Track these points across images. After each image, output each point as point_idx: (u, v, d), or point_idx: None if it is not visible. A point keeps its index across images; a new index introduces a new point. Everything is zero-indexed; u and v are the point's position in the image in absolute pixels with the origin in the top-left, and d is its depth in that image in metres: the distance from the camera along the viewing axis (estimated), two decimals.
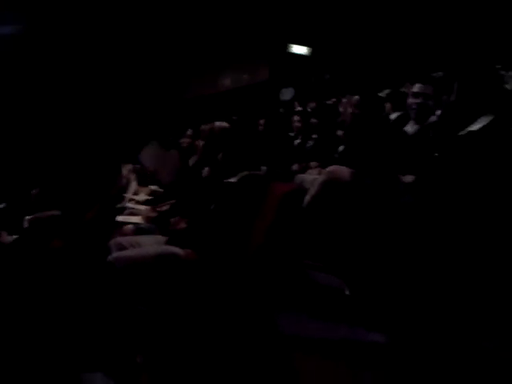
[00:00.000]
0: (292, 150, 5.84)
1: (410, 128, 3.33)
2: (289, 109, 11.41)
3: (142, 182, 5.81)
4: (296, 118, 5.98)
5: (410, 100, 3.23)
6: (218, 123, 4.19)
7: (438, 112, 3.54)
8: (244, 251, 3.11)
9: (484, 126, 2.75)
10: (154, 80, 13.03)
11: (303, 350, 2.42)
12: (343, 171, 2.89)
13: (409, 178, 2.96)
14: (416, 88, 3.21)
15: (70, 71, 12.08)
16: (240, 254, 3.09)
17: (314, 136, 5.55)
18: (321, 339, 2.52)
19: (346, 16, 12.40)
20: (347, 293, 2.88)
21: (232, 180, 3.47)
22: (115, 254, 3.06)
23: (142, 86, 12.81)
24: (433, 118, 3.26)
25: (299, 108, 10.08)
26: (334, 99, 10.02)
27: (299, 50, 13.50)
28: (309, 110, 8.67)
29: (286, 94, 13.38)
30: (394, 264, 2.66)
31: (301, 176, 3.90)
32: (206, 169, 4.08)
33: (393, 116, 4.61)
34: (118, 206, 4.97)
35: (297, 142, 5.92)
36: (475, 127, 2.67)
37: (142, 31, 12.36)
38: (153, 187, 5.42)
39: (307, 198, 2.98)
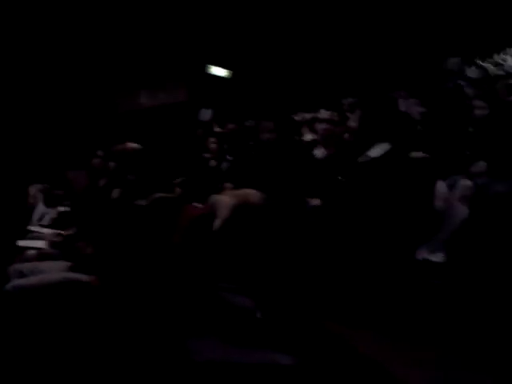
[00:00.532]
0: (207, 171, 5.83)
1: (318, 152, 3.45)
2: (207, 130, 11.45)
3: (50, 203, 5.51)
4: (212, 139, 5.99)
5: (318, 125, 3.36)
6: (130, 144, 4.10)
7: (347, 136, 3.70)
8: (153, 274, 3.03)
9: (384, 153, 2.93)
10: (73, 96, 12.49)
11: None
12: (254, 195, 2.93)
13: (316, 201, 3.07)
14: (323, 114, 3.35)
15: None
16: (149, 277, 3.01)
17: (230, 158, 5.58)
18: (233, 364, 2.51)
19: (265, 40, 12.76)
20: (259, 315, 2.89)
21: (142, 203, 3.39)
22: (13, 282, 2.86)
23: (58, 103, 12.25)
24: (341, 143, 3.40)
25: (218, 129, 10.13)
26: (252, 121, 10.16)
27: (218, 71, 13.65)
28: (226, 131, 8.74)
29: (205, 114, 13.44)
30: (301, 282, 2.73)
31: (214, 198, 3.89)
32: (116, 190, 3.96)
33: (308, 138, 4.75)
34: (22, 228, 4.66)
35: (212, 163, 5.92)
36: (375, 153, 2.84)
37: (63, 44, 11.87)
38: (61, 208, 5.15)
39: (218, 221, 2.98)
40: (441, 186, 3.11)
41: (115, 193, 3.95)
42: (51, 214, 5.04)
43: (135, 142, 5.22)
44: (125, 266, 2.96)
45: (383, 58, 12.81)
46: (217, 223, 2.99)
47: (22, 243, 3.90)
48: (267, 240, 2.83)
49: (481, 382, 2.16)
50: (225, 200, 3.03)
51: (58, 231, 3.98)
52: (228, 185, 4.82)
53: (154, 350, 2.66)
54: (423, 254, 3.01)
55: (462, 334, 2.39)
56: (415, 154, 3.58)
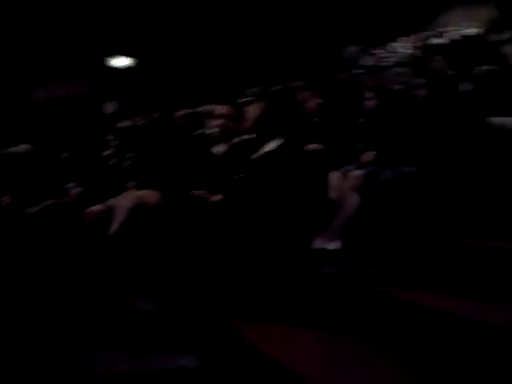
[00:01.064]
0: (108, 169, 5.62)
1: (216, 148, 3.44)
2: (110, 124, 11.00)
3: None
4: (111, 136, 5.78)
5: (213, 121, 3.35)
6: (22, 146, 3.83)
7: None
8: (49, 284, 2.89)
9: (277, 147, 2.99)
10: None
11: None
12: (151, 195, 2.87)
13: (217, 197, 3.06)
14: (218, 110, 3.35)
15: None
16: (44, 287, 2.87)
17: (132, 155, 5.42)
18: (138, 373, 2.45)
19: (170, 28, 12.46)
20: (163, 317, 2.85)
21: (34, 210, 3.20)
22: None
23: None
24: (236, 139, 3.42)
25: (123, 123, 9.78)
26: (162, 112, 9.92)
27: (122, 61, 13.13)
28: (131, 125, 8.48)
29: (109, 107, 12.91)
30: (204, 281, 2.72)
31: (110, 201, 3.76)
32: (6, 197, 3.70)
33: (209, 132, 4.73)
34: None
35: (113, 161, 5.71)
36: (269, 148, 2.89)
37: None
38: None
39: (115, 225, 2.89)
40: (333, 177, 3.24)
41: (5, 200, 3.69)
42: None
43: (28, 141, 4.89)
44: (17, 276, 2.79)
45: (282, 51, 13.10)
46: (114, 226, 2.90)
47: None
48: (167, 240, 2.79)
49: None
50: (121, 203, 2.95)
51: None
52: (130, 184, 4.69)
53: (53, 363, 2.53)
54: (320, 243, 3.13)
55: (360, 319, 2.50)
56: (310, 146, 3.71)
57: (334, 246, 3.16)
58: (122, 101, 12.47)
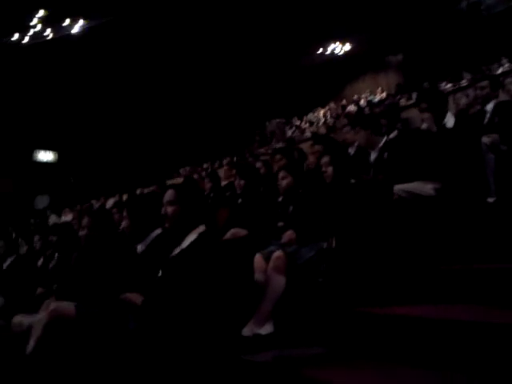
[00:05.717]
0: (36, 271, 5.39)
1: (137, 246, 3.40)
2: (43, 219, 10.67)
3: None
4: (36, 237, 5.59)
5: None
6: None
7: None
8: None
9: (197, 238, 3.00)
10: None
11: None
12: (66, 307, 2.75)
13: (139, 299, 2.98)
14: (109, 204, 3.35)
15: None
16: None
17: (56, 255, 5.22)
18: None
19: (89, 121, 12.59)
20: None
21: None
22: None
23: None
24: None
25: (55, 219, 9.50)
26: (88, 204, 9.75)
27: (45, 156, 12.98)
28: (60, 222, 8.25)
29: (41, 201, 12.55)
30: None
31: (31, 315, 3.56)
32: None
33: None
34: None
35: (40, 262, 5.49)
36: (189, 241, 2.91)
37: None
38: None
39: (31, 343, 2.72)
40: (257, 259, 3.27)
41: None
42: None
43: None
44: None
45: (206, 129, 13.45)
46: (30, 345, 2.74)
47: None
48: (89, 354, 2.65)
49: None
50: (37, 318, 2.81)
51: None
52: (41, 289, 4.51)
53: None
54: (251, 330, 3.08)
55: None
56: (233, 231, 3.76)
57: (265, 330, 3.12)
58: (51, 195, 12.23)
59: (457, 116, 4.93)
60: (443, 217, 3.43)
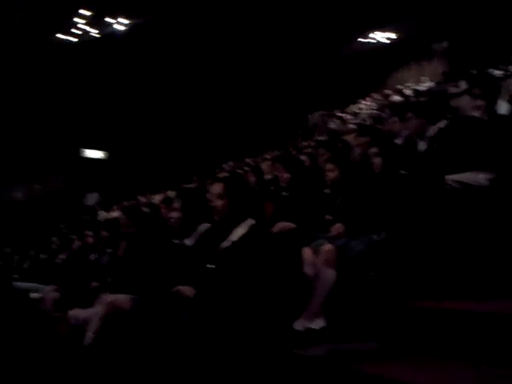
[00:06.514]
0: (90, 266, 5.56)
1: (185, 240, 3.46)
2: (93, 215, 11.00)
3: None
4: (88, 232, 5.76)
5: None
6: None
7: None
8: None
9: (247, 231, 3.02)
10: None
11: None
12: (122, 300, 2.82)
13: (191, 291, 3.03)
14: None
15: None
16: None
17: (109, 250, 5.37)
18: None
19: (137, 120, 12.88)
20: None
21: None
22: None
23: None
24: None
25: (104, 215, 9.75)
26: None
27: (94, 154, 13.37)
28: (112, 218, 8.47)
29: (91, 198, 12.95)
30: None
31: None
32: None
33: None
34: None
35: (93, 256, 5.66)
36: (238, 233, 2.93)
37: None
38: None
39: (89, 334, 2.81)
40: (306, 253, 3.24)
41: None
42: None
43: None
44: None
45: (249, 122, 13.50)
46: (88, 336, 2.83)
47: None
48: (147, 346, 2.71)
49: None
50: (94, 311, 2.89)
51: None
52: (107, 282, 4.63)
53: None
54: (302, 324, 3.07)
55: None
56: (280, 225, 3.75)
57: (317, 324, 3.10)
58: (100, 191, 12.59)
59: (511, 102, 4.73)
60: (498, 207, 3.30)
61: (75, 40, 11.59)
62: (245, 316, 2.76)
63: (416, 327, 2.76)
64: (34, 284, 5.57)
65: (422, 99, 8.81)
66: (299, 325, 3.08)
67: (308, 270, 3.21)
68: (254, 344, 2.74)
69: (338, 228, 3.40)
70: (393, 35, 15.51)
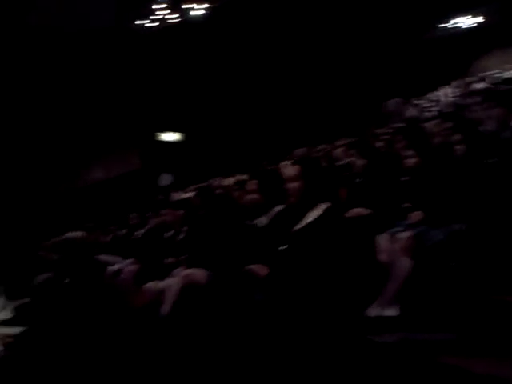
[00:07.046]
0: (166, 243, 5.78)
1: (258, 220, 3.50)
2: (167, 196, 11.41)
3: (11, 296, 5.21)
4: (164, 211, 5.97)
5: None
6: (78, 232, 4.02)
7: None
8: None
9: (321, 214, 3.00)
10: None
11: None
12: (198, 274, 2.91)
13: (264, 271, 3.07)
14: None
15: None
16: None
17: (185, 228, 5.55)
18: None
19: (214, 101, 13.09)
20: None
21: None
22: None
23: None
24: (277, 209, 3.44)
25: (177, 195, 10.06)
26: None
27: (170, 136, 13.80)
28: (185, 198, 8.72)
29: (165, 179, 13.44)
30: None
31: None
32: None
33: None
34: None
35: (169, 234, 5.87)
36: (313, 216, 2.91)
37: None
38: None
39: (166, 305, 2.93)
40: (382, 240, 3.18)
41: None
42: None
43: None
44: None
45: (323, 108, 13.32)
46: (165, 308, 2.95)
47: None
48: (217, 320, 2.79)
49: None
50: (170, 283, 3.01)
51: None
52: (182, 259, 4.78)
53: None
54: (375, 311, 3.03)
55: None
56: (355, 211, 3.69)
57: (391, 312, 3.05)
58: (174, 173, 13.01)
59: None
60: None
61: (154, 25, 11.91)
62: (318, 299, 2.76)
63: (496, 321, 2.64)
64: (114, 257, 5.87)
65: (505, 87, 8.30)
66: (373, 311, 3.04)
67: (383, 257, 3.15)
68: (326, 327, 2.74)
69: (416, 216, 3.30)
70: (476, 20, 14.65)
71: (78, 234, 3.90)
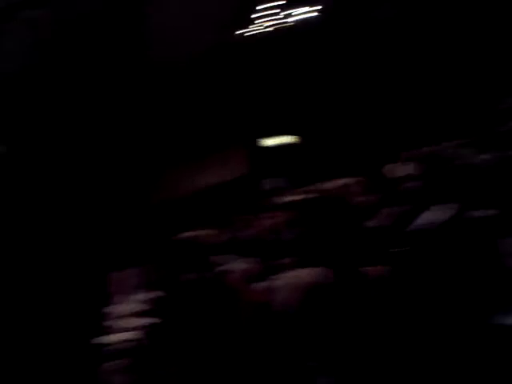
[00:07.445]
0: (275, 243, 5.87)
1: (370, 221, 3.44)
2: (275, 198, 11.54)
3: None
4: (273, 213, 6.09)
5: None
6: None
7: None
8: None
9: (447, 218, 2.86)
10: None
11: None
12: (324, 272, 2.94)
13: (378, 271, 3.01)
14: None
15: None
16: None
17: (296, 229, 5.58)
18: None
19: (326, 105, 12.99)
20: None
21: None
22: None
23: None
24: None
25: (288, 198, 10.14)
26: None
27: (276, 141, 13.97)
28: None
29: (272, 183, 13.63)
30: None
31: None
32: None
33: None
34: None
35: (279, 235, 5.96)
36: (433, 218, 2.80)
37: None
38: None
39: (293, 304, 2.97)
40: (511, 244, 2.96)
41: None
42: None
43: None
44: None
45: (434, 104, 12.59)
46: (292, 307, 3.00)
47: None
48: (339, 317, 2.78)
49: None
50: (283, 282, 3.05)
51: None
52: (290, 261, 4.83)
53: None
54: (502, 319, 2.82)
55: None
56: (479, 212, 3.46)
57: None
58: (282, 177, 13.13)
59: None
60: None
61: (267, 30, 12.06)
62: (439, 303, 2.65)
63: None
64: (227, 256, 6.07)
65: None
66: (498, 319, 2.83)
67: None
68: (449, 332, 2.62)
69: None
70: None
71: (194, 233, 4.11)
